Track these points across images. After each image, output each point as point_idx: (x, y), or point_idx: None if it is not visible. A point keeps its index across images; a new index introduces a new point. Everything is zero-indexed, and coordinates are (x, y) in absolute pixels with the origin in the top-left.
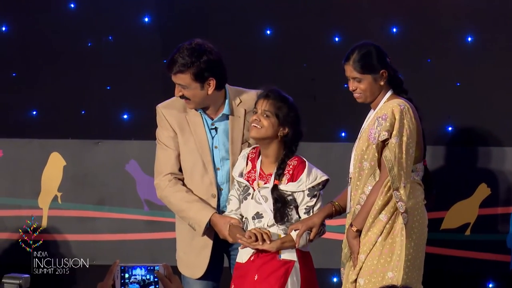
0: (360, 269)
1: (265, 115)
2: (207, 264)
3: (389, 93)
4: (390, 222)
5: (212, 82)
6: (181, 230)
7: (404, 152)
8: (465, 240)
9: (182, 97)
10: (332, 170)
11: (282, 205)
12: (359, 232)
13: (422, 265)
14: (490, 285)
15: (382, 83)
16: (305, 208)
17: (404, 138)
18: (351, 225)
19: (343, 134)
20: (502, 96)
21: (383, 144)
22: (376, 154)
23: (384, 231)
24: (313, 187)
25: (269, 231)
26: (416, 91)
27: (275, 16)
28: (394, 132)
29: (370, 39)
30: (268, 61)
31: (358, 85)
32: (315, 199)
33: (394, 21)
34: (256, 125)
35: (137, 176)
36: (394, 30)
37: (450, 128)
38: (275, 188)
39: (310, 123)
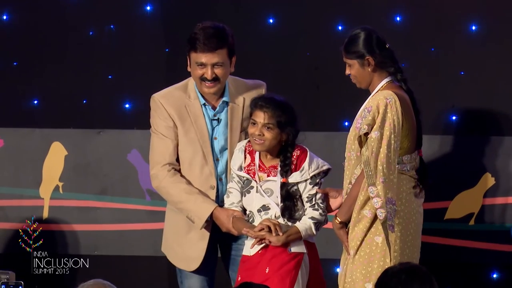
0: (348, 265)
1: (267, 128)
2: (203, 257)
3: (385, 80)
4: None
5: (234, 58)
6: (176, 222)
7: (385, 146)
8: (469, 230)
9: (212, 80)
10: (335, 159)
11: (291, 203)
12: (343, 223)
13: (412, 253)
14: (494, 275)
15: (369, 69)
16: (307, 197)
17: (387, 133)
18: (335, 216)
19: (346, 123)
20: (506, 85)
21: (365, 137)
22: (359, 147)
23: (380, 232)
24: (315, 175)
25: (279, 223)
26: (420, 80)
27: (278, 5)
28: (375, 127)
29: (373, 27)
30: (271, 50)
31: (350, 70)
32: (316, 188)
33: (398, 9)
34: (259, 140)
35: (139, 165)
36: (398, 18)
37: (454, 118)
38: (283, 186)
39: (313, 112)
